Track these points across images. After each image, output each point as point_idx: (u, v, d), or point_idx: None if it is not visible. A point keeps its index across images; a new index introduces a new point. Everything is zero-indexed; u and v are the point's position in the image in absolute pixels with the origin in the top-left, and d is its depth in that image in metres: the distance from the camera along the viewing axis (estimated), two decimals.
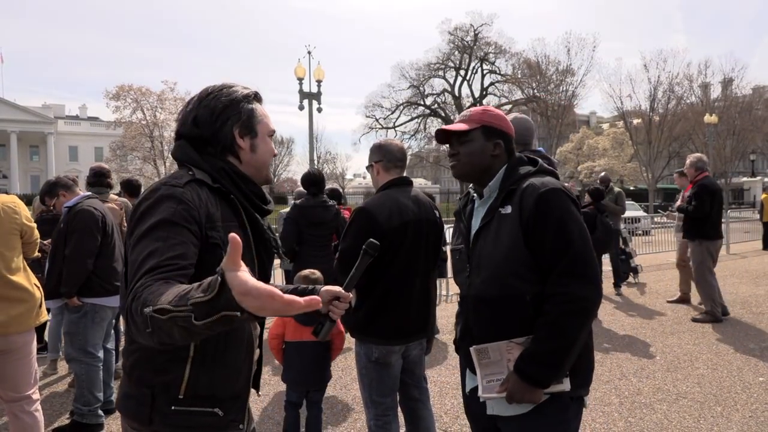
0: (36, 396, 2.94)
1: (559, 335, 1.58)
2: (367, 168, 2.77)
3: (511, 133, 1.82)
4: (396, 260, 2.51)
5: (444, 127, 1.81)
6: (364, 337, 2.59)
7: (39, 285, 2.97)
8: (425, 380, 2.86)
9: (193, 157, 1.39)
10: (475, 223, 1.80)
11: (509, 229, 1.66)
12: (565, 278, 1.59)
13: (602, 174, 8.84)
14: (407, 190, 2.65)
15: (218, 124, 1.40)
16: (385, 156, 2.66)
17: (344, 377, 4.62)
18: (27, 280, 2.84)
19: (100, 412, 3.66)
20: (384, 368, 2.58)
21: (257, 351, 1.55)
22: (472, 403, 1.85)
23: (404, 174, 2.73)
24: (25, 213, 2.88)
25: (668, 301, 7.31)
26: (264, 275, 1.50)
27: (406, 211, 2.55)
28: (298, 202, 4.68)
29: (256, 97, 1.49)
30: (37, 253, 3.11)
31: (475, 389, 1.80)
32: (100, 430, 3.61)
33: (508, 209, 1.68)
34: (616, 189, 8.60)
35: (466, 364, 1.86)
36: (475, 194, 1.85)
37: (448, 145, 1.87)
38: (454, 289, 8.36)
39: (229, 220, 1.35)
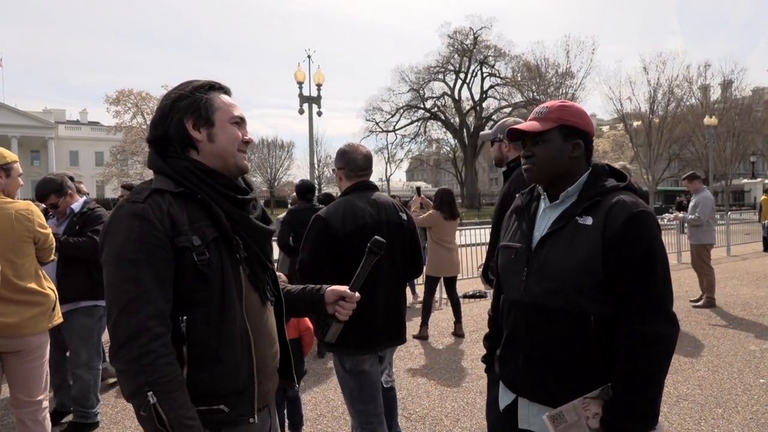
0: (46, 404, 2.96)
1: (651, 382, 1.45)
2: (332, 171, 2.75)
3: (591, 131, 1.69)
4: (354, 266, 2.37)
5: (517, 126, 1.66)
6: (334, 347, 2.55)
7: (53, 288, 3.00)
8: (390, 375, 2.92)
9: (157, 163, 1.41)
10: (541, 225, 1.65)
11: (587, 242, 1.51)
12: (647, 315, 1.46)
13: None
14: (367, 195, 2.62)
15: (167, 120, 1.41)
16: (347, 165, 2.65)
17: None
18: (39, 284, 2.88)
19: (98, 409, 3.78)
20: (360, 376, 2.54)
21: (275, 345, 1.55)
22: (506, 423, 1.72)
23: (369, 179, 2.71)
24: (39, 220, 2.88)
25: (694, 306, 7.15)
26: (260, 261, 1.49)
27: (362, 214, 2.51)
28: (292, 207, 5.56)
29: (214, 87, 1.47)
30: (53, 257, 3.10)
31: (509, 407, 1.70)
32: (96, 428, 3.75)
33: (588, 221, 1.53)
34: None
35: (504, 378, 1.73)
36: (544, 194, 1.70)
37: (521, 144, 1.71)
38: None
39: (199, 221, 1.35)
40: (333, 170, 2.74)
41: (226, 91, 1.51)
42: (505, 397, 1.74)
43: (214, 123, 1.43)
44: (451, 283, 6.19)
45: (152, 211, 1.30)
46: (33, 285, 2.83)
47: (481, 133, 2.94)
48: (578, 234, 1.54)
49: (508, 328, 1.70)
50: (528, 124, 1.66)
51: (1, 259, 2.70)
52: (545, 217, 1.66)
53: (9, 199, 2.82)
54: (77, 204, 3.71)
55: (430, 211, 6.09)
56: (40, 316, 2.84)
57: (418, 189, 7.30)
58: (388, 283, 2.57)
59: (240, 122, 1.48)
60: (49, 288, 2.95)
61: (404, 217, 2.69)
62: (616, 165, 1.72)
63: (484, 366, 1.93)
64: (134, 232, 1.27)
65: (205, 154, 1.43)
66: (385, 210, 2.60)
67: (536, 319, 1.59)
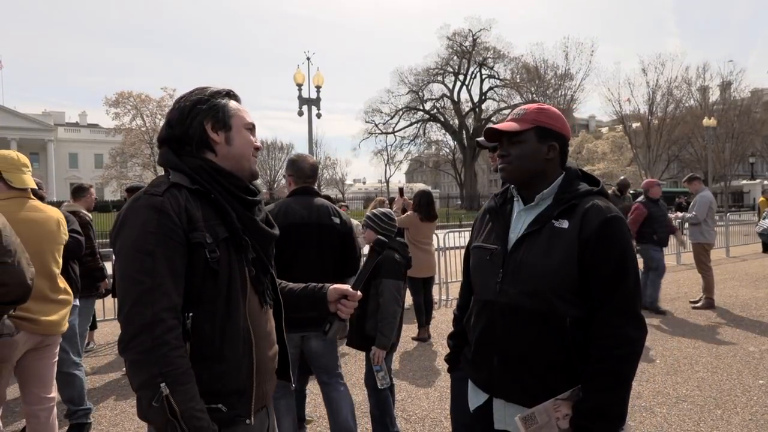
0: (54, 402, 3.03)
1: (620, 384, 1.50)
2: (283, 176, 3.05)
3: (567, 135, 1.71)
4: (280, 259, 2.73)
5: (494, 125, 1.67)
6: None
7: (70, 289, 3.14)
8: (339, 372, 3.16)
9: (172, 160, 1.44)
10: (516, 227, 1.67)
11: (563, 245, 1.54)
12: (617, 318, 1.50)
13: (621, 178, 8.71)
14: (305, 198, 2.97)
15: (188, 120, 1.45)
16: (295, 173, 3.03)
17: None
18: (65, 284, 3.04)
19: None
20: None
21: (275, 346, 1.56)
22: (477, 423, 1.72)
23: (312, 186, 3.07)
24: (65, 223, 3.10)
25: (693, 307, 7.15)
26: (262, 264, 1.52)
27: (293, 214, 2.88)
28: None
29: (229, 95, 1.53)
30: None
31: (481, 407, 1.70)
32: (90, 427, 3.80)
33: (564, 224, 1.56)
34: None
35: (476, 380, 1.73)
36: (517, 196, 1.72)
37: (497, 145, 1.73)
38: (453, 293, 8.36)
39: (211, 219, 1.38)
40: (284, 176, 3.00)
41: (238, 100, 1.57)
42: (475, 399, 1.74)
43: (231, 127, 1.48)
44: (426, 285, 6.22)
45: (170, 205, 1.32)
46: (64, 285, 3.00)
47: (479, 139, 3.07)
48: (554, 237, 1.57)
49: (480, 328, 1.70)
50: (505, 125, 1.68)
51: (50, 258, 2.88)
52: (520, 220, 1.69)
53: (45, 205, 2.98)
54: None
55: (408, 212, 6.20)
56: (67, 315, 2.99)
57: (401, 190, 7.41)
58: (315, 278, 2.82)
59: (252, 129, 1.54)
60: (68, 289, 3.08)
61: (336, 220, 2.98)
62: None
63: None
64: (152, 224, 1.29)
65: (222, 156, 1.47)
66: (317, 212, 2.94)
67: (512, 320, 1.60)
